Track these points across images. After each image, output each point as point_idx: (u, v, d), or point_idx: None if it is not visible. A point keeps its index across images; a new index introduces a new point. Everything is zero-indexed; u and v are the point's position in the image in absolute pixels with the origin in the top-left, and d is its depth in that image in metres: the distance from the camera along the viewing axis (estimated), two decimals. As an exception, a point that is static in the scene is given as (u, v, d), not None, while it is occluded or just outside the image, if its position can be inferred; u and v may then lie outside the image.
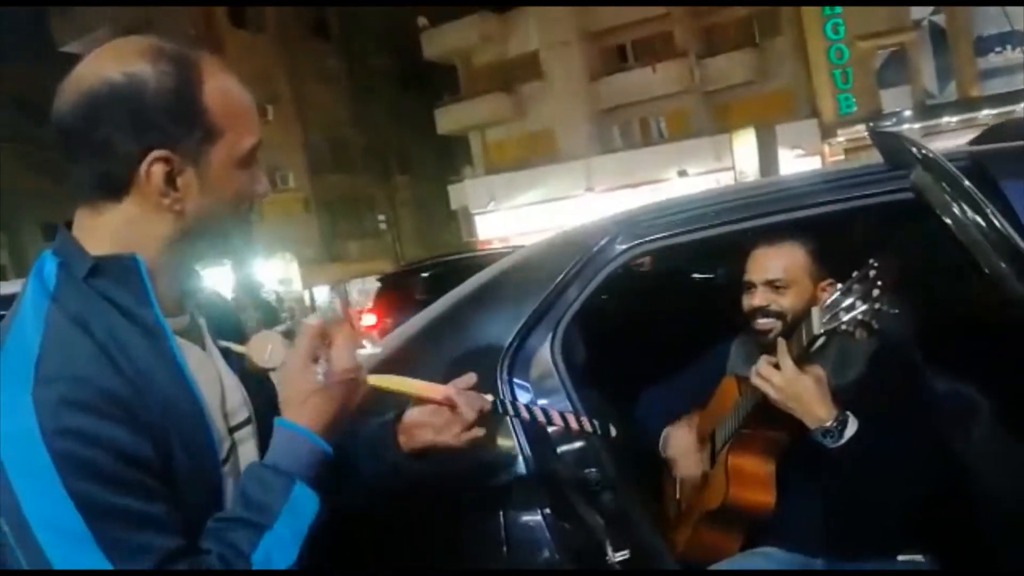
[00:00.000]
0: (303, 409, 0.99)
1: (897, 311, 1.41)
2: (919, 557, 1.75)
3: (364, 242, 29.93)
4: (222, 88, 0.98)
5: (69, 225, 0.99)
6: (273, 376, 1.11)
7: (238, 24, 26.20)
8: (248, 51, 24.99)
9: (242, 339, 1.10)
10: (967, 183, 1.25)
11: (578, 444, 1.59)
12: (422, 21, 26.35)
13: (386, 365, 1.84)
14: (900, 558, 1.75)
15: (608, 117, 24.44)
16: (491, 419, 1.27)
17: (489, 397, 1.26)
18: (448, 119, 26.72)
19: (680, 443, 1.98)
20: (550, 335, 1.70)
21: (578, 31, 23.77)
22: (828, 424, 1.59)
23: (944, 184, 1.30)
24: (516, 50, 24.91)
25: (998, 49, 19.88)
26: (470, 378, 1.25)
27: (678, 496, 2.03)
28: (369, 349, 1.14)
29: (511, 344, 1.68)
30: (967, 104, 19.82)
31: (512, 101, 25.37)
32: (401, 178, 31.65)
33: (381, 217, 31.01)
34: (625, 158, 22.68)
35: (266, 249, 21.15)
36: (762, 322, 1.82)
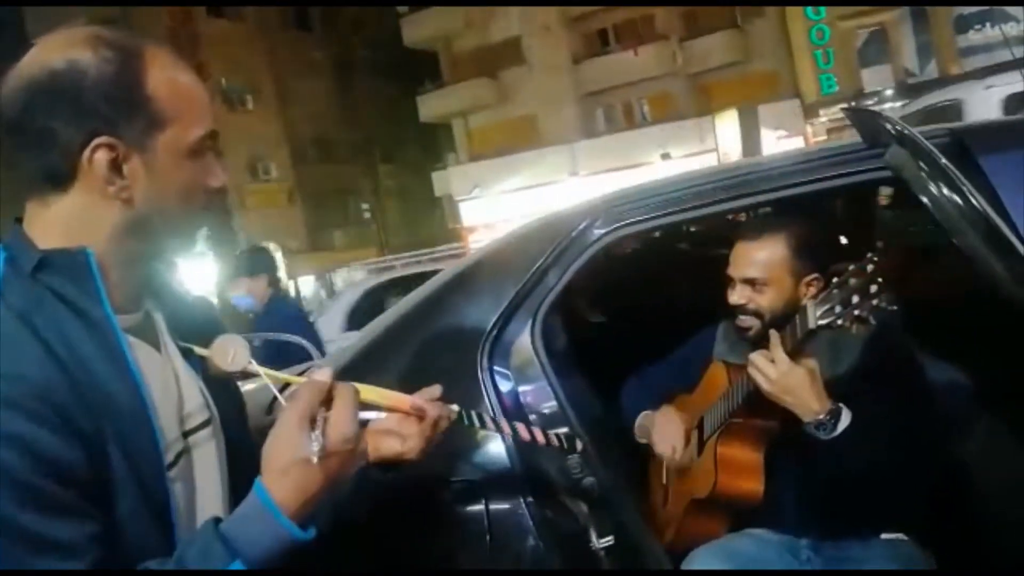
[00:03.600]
0: (283, 479, 0.88)
1: (896, 307, 1.39)
2: (902, 536, 1.75)
3: (348, 231, 29.81)
4: (168, 76, 0.95)
5: (22, 220, 0.97)
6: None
7: (217, 14, 25.90)
8: (227, 41, 24.78)
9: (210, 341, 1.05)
10: (943, 160, 1.23)
11: (562, 431, 1.58)
12: (401, 9, 26.16)
13: (365, 355, 1.83)
14: (883, 537, 1.75)
15: (591, 101, 24.36)
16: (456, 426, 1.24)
17: (454, 407, 1.23)
18: (430, 106, 26.58)
19: (665, 428, 1.93)
20: (530, 321, 1.68)
21: (559, 15, 23.66)
22: (822, 417, 1.58)
23: (920, 161, 1.28)
24: (498, 35, 24.77)
25: (977, 27, 19.90)
26: (434, 390, 1.21)
27: (664, 483, 2.02)
28: (374, 415, 1.07)
29: (491, 331, 1.66)
30: (948, 82, 19.86)
31: (494, 87, 25.25)
32: (384, 167, 31.49)
33: (365, 206, 30.88)
34: (609, 142, 22.60)
35: (250, 240, 21.00)
36: (741, 319, 1.80)
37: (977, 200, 1.17)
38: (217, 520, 0.89)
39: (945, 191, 1.22)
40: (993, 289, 1.22)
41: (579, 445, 1.37)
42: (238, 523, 0.88)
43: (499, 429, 1.31)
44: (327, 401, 0.93)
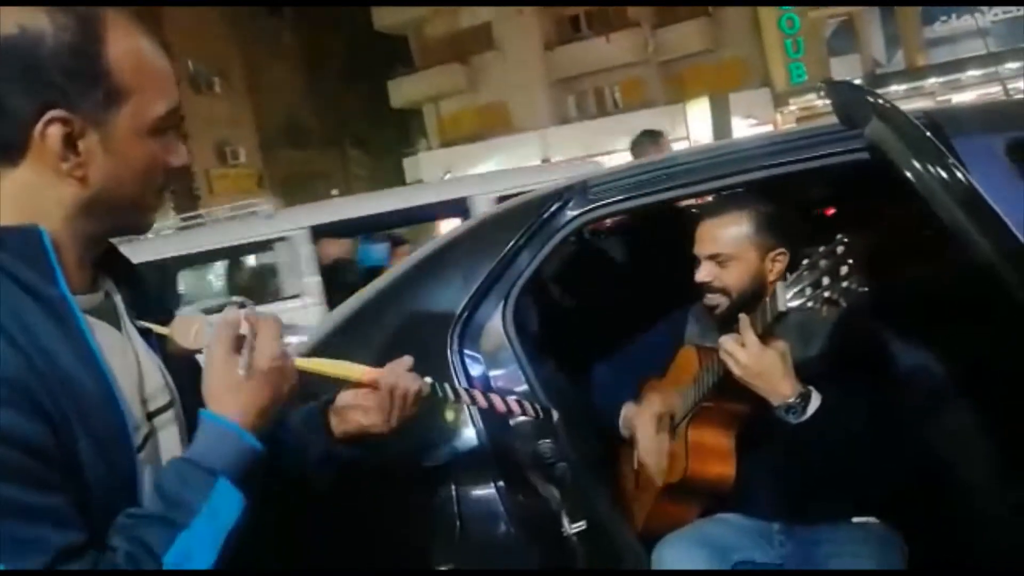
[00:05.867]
0: (227, 402, 0.92)
1: (866, 289, 1.38)
2: (872, 519, 1.75)
3: (319, 217, 29.51)
4: (130, 47, 0.90)
5: None
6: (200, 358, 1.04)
7: (185, -3, 25.38)
8: (197, 24, 24.31)
9: (169, 319, 1.02)
10: (928, 134, 1.22)
11: (512, 396, 1.55)
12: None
13: (333, 338, 1.79)
14: (855, 520, 1.75)
15: (563, 87, 24.33)
16: (429, 401, 1.22)
17: (428, 380, 1.21)
18: (401, 92, 26.37)
19: (644, 425, 1.90)
20: (501, 304, 1.67)
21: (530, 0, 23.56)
22: (791, 400, 1.57)
23: (903, 135, 1.26)
24: (468, 20, 24.61)
25: (943, 18, 20.15)
26: (406, 361, 1.20)
27: (636, 468, 2.01)
28: (296, 338, 1.08)
29: (461, 314, 1.65)
30: (914, 73, 20.11)
31: (466, 72, 25.10)
32: (355, 152, 31.23)
33: (335, 192, 30.57)
34: (580, 128, 22.60)
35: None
36: (708, 298, 1.79)
37: (963, 174, 1.16)
38: (183, 456, 0.91)
39: (930, 166, 1.20)
40: (978, 266, 1.20)
41: (555, 415, 1.35)
42: (200, 448, 0.90)
43: (473, 400, 1.29)
44: (254, 330, 0.95)
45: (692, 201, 2.20)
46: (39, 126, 0.86)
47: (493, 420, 1.54)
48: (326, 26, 29.29)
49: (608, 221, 2.54)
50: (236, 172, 25.73)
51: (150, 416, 0.98)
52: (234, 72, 26.67)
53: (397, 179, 27.27)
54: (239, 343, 0.94)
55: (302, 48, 29.59)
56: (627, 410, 1.96)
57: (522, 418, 1.42)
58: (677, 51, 22.73)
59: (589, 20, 24.07)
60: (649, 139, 4.35)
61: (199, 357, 1.03)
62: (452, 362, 1.60)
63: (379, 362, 1.19)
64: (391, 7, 25.21)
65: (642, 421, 1.91)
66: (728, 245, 1.76)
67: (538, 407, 1.33)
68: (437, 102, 25.94)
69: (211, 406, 0.93)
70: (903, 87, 19.56)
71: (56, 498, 0.81)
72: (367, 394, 1.17)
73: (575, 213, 1.72)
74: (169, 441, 1.00)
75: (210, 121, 23.63)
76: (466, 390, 1.31)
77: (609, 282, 2.61)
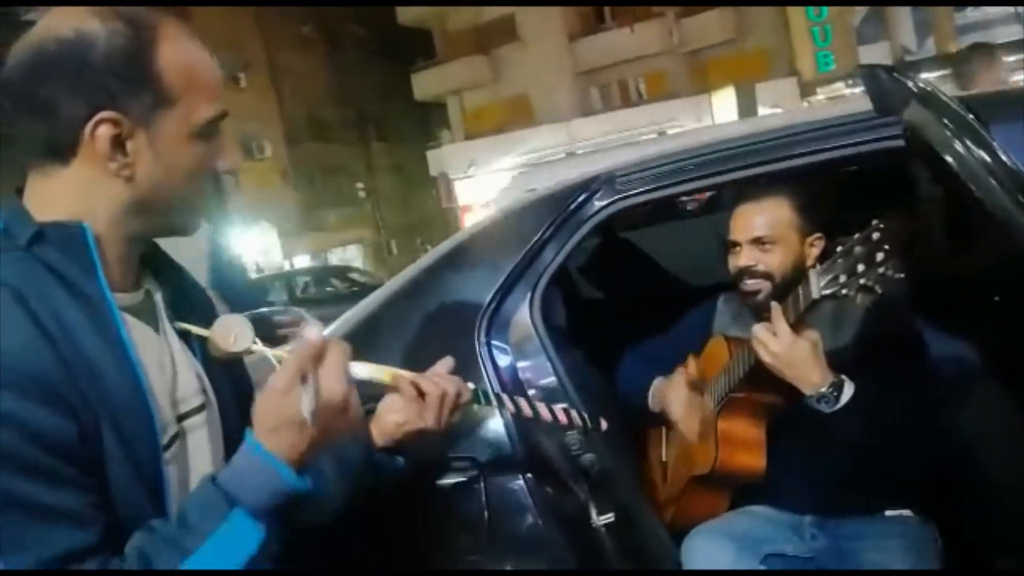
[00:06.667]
0: (275, 437, 0.89)
1: (902, 275, 1.35)
2: (907, 512, 1.73)
3: (343, 211, 29.70)
4: (180, 53, 0.93)
5: (23, 191, 0.95)
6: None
7: (207, -11, 25.55)
8: (220, 18, 24.51)
9: (210, 322, 1.03)
10: (970, 116, 1.19)
11: (560, 406, 1.55)
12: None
13: (360, 331, 1.79)
14: (888, 513, 1.73)
15: (587, 79, 24.21)
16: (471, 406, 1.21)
17: (471, 385, 1.19)
18: (425, 84, 26.39)
19: (677, 394, 1.87)
20: (529, 295, 1.66)
21: (555, -9, 23.45)
22: (824, 390, 1.55)
23: (945, 119, 1.23)
24: (492, 12, 24.56)
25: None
26: (448, 362, 1.19)
27: (664, 460, 2.00)
28: (366, 370, 1.07)
29: (489, 306, 1.64)
30: (945, 60, 19.79)
31: (489, 64, 25.07)
32: (379, 145, 31.38)
33: (360, 185, 30.79)
34: (605, 120, 22.49)
35: (244, 220, 20.91)
36: (749, 283, 1.76)
37: (1008, 157, 1.13)
38: (214, 476, 0.90)
39: (974, 149, 1.18)
40: (1020, 250, 1.17)
41: (603, 425, 1.33)
42: (234, 475, 0.89)
43: (518, 408, 1.27)
44: (319, 359, 0.91)
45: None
46: (89, 126, 0.89)
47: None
48: (349, 18, 29.42)
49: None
50: (262, 166, 25.92)
51: (181, 418, 0.99)
52: (258, 66, 26.85)
53: (421, 171, 27.37)
54: (306, 374, 0.89)
55: (326, 41, 29.72)
56: (658, 382, 1.93)
57: (569, 427, 1.40)
58: (702, 41, 22.51)
59: (613, 10, 23.92)
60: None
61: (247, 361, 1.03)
62: (480, 353, 1.60)
63: (408, 355, 1.19)
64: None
65: (674, 384, 1.87)
66: (771, 228, 1.74)
67: (586, 417, 1.31)
68: (460, 94, 25.92)
69: (258, 431, 0.89)
70: (934, 75, 19.26)
71: (69, 497, 0.83)
72: (405, 402, 1.16)
73: (602, 204, 1.71)
74: (198, 444, 1.01)
75: (235, 115, 23.75)
76: (511, 398, 1.29)
77: (637, 273, 2.60)
